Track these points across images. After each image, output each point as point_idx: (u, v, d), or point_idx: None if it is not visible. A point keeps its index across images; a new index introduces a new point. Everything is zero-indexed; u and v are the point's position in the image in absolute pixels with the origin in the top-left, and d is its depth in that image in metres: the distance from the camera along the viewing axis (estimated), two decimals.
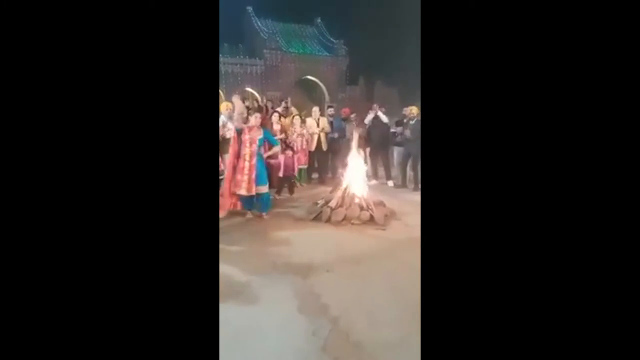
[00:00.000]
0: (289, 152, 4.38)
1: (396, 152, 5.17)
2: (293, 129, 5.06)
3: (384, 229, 3.08)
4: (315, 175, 5.64)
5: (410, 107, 5.03)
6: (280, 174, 4.29)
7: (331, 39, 16.79)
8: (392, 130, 5.16)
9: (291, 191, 4.39)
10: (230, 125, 3.50)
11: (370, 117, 5.33)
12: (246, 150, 3.21)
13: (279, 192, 4.30)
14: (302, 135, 5.10)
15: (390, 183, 5.07)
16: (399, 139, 5.05)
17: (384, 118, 5.21)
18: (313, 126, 5.27)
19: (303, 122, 5.29)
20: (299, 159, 4.91)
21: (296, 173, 4.65)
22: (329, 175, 5.29)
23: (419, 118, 4.93)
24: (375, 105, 5.38)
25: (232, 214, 3.36)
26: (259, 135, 3.25)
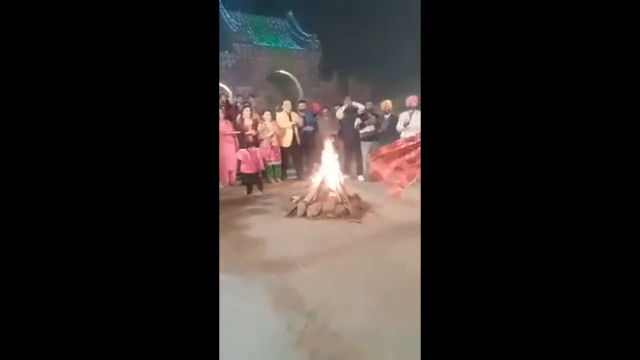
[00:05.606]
0: (252, 148, 4.31)
1: (364, 147, 5.22)
2: (264, 125, 4.98)
3: (359, 222, 3.11)
4: (291, 171, 5.60)
5: (384, 102, 5.10)
6: (245, 171, 4.21)
7: (304, 33, 16.62)
8: (356, 124, 5.19)
9: (260, 187, 4.32)
10: None
11: (341, 110, 5.34)
12: None
13: (249, 190, 4.23)
14: (271, 131, 5.03)
15: (361, 178, 5.13)
16: (368, 134, 5.11)
17: (361, 107, 5.24)
18: (285, 120, 5.21)
19: (274, 117, 5.21)
20: (269, 154, 4.84)
21: (263, 167, 4.57)
22: (304, 170, 5.26)
23: (393, 112, 5.02)
24: (347, 98, 5.39)
25: None
26: None
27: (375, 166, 2.73)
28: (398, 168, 2.62)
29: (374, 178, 2.87)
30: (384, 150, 2.78)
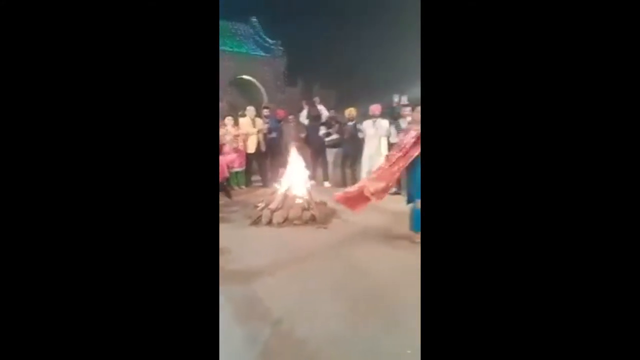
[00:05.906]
0: None
1: (329, 154, 5.28)
2: (225, 130, 4.84)
3: (325, 228, 3.12)
4: (256, 177, 5.48)
5: (348, 109, 5.20)
6: None
7: (267, 39, 16.54)
8: (321, 133, 5.25)
9: (228, 195, 4.17)
10: None
11: (304, 113, 5.36)
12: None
13: None
14: (236, 136, 4.90)
15: (327, 184, 5.16)
16: (334, 141, 5.18)
17: (324, 112, 5.28)
18: (248, 126, 5.12)
19: (236, 122, 5.08)
20: (232, 161, 4.69)
21: (227, 174, 4.42)
22: (269, 177, 5.18)
23: (357, 120, 5.13)
24: (305, 102, 5.44)
25: None
26: None
27: (367, 181, 2.74)
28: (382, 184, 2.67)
29: (341, 200, 2.83)
30: (380, 171, 2.75)
